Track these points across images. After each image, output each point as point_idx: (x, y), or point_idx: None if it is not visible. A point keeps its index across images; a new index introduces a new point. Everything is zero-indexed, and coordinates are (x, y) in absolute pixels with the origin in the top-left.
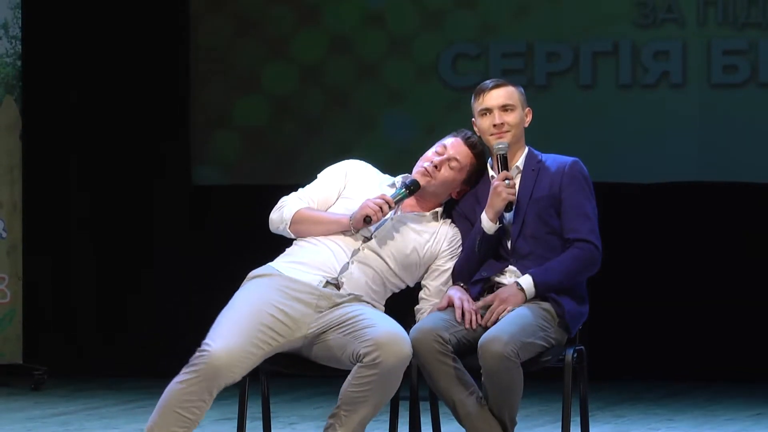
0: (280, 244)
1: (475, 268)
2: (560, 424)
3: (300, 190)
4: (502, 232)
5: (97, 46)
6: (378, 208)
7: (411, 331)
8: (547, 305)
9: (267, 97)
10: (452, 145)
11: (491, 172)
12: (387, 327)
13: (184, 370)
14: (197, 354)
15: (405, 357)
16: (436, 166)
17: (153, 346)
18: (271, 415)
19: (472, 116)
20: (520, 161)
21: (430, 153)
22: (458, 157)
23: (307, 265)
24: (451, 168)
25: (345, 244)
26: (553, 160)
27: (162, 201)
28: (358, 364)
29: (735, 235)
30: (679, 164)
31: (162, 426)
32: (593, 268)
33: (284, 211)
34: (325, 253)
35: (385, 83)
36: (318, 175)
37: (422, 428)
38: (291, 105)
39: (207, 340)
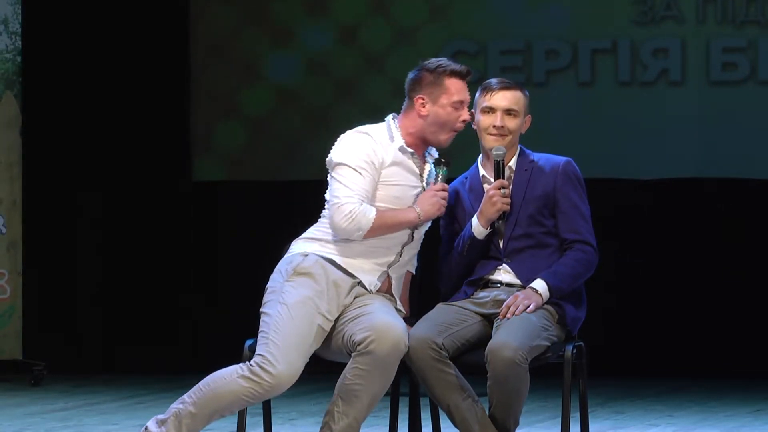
0: (282, 239)
1: (463, 271)
2: (560, 419)
3: (346, 184)
4: (493, 233)
5: (97, 41)
6: (445, 202)
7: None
8: (548, 305)
9: (270, 87)
10: (466, 95)
11: (482, 171)
12: (385, 316)
13: (244, 374)
14: (261, 366)
15: (398, 345)
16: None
17: (153, 342)
18: (271, 410)
19: (472, 108)
20: (512, 161)
21: (452, 114)
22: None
23: (364, 262)
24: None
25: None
26: (545, 159)
27: (163, 196)
28: (354, 353)
29: (734, 231)
30: (678, 161)
31: (202, 417)
32: (593, 271)
33: (362, 221)
34: (381, 243)
35: (388, 77)
36: (347, 163)
37: (422, 426)
38: (295, 96)
39: (270, 357)
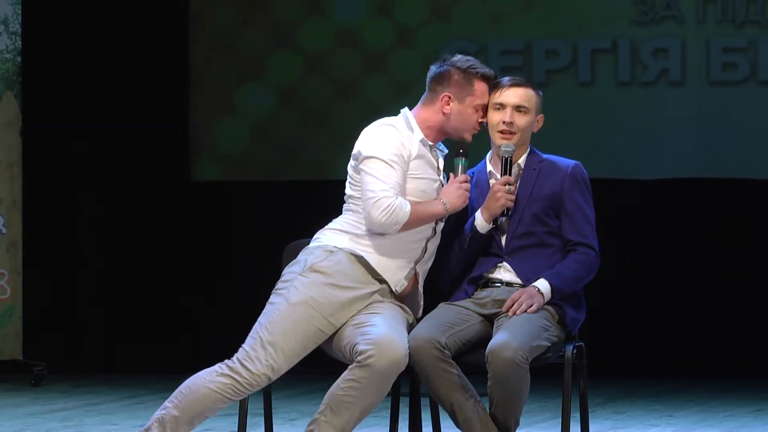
0: (282, 239)
1: (463, 266)
2: (560, 420)
3: (380, 177)
4: (495, 230)
5: (96, 41)
6: (469, 193)
7: (409, 338)
8: (548, 306)
9: (272, 85)
10: (487, 99)
11: (489, 167)
12: (390, 331)
13: (223, 372)
14: (241, 363)
15: (398, 362)
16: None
17: (153, 342)
18: (272, 410)
19: None
20: (521, 159)
21: (473, 116)
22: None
23: (395, 259)
24: None
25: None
26: (555, 160)
27: (163, 196)
28: (352, 363)
29: (734, 231)
30: (678, 161)
31: (186, 419)
32: (594, 274)
33: (399, 215)
34: (408, 238)
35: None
36: (379, 156)
37: (422, 426)
38: (295, 95)
39: (252, 355)
